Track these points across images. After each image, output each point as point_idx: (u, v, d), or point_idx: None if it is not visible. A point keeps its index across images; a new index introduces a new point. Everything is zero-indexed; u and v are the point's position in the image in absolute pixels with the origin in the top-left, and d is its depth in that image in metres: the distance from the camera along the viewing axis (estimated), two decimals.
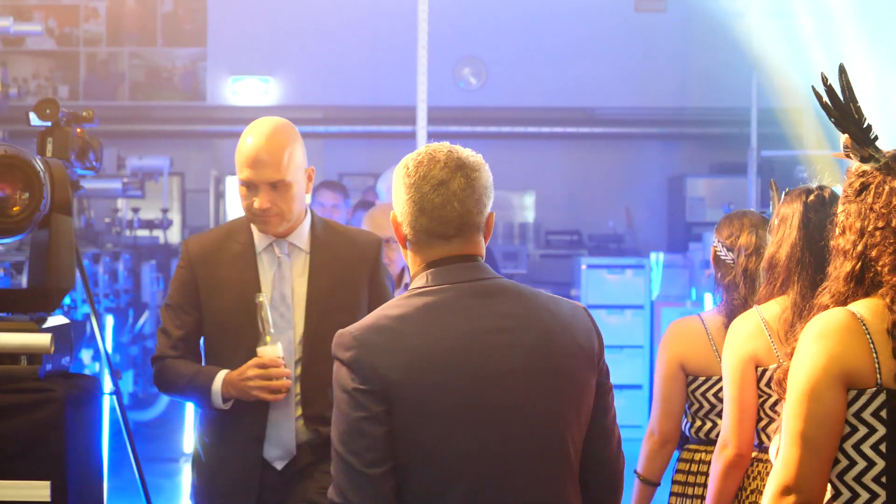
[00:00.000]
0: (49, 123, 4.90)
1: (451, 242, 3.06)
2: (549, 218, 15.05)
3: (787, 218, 3.97)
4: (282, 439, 4.22)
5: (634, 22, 14.70)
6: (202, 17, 14.98)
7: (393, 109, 14.05)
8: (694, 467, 4.41)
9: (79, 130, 5.05)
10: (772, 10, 12.50)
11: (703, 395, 4.41)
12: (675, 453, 4.54)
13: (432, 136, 14.84)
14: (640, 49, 14.66)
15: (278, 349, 4.14)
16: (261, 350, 4.13)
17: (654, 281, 11.78)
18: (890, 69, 10.88)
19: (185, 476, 10.12)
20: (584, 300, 11.73)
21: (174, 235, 14.30)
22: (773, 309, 3.94)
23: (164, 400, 11.09)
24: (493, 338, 3.00)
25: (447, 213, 3.04)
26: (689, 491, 4.43)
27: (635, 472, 4.52)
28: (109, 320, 9.98)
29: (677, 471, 4.50)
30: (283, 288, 4.24)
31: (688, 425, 4.46)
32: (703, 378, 4.40)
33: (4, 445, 3.88)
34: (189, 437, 10.55)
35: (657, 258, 11.98)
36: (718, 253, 4.45)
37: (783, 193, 4.11)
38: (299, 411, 4.23)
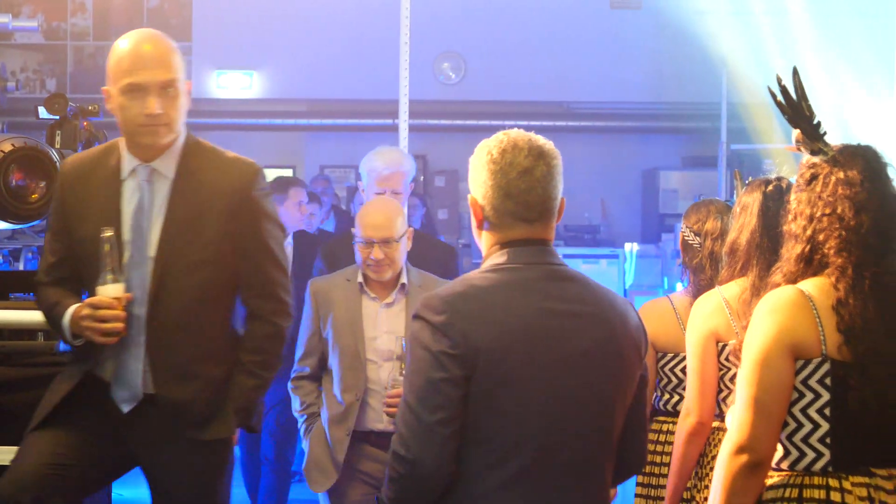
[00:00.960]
0: (57, 117, 5.20)
1: (532, 225, 3.22)
2: None
3: (747, 206, 4.25)
4: (127, 381, 3.97)
5: (610, 19, 14.94)
6: (187, 12, 15.14)
7: (374, 103, 14.18)
8: (663, 437, 4.69)
9: (86, 123, 5.36)
10: (735, 8, 12.81)
11: (671, 370, 4.70)
12: None
13: (413, 130, 15.15)
14: (615, 45, 14.89)
15: (116, 289, 3.87)
16: (99, 289, 3.87)
17: (629, 270, 12.08)
18: (842, 64, 11.24)
19: None
20: None
21: None
22: (733, 289, 4.23)
23: None
24: (568, 320, 3.18)
25: (532, 199, 3.21)
26: (658, 459, 4.70)
27: None
28: None
29: (648, 441, 4.80)
30: (141, 220, 3.97)
31: (658, 399, 4.75)
32: (672, 354, 4.69)
33: (24, 413, 4.10)
34: None
35: (631, 248, 12.28)
36: (686, 238, 4.74)
37: (745, 183, 4.43)
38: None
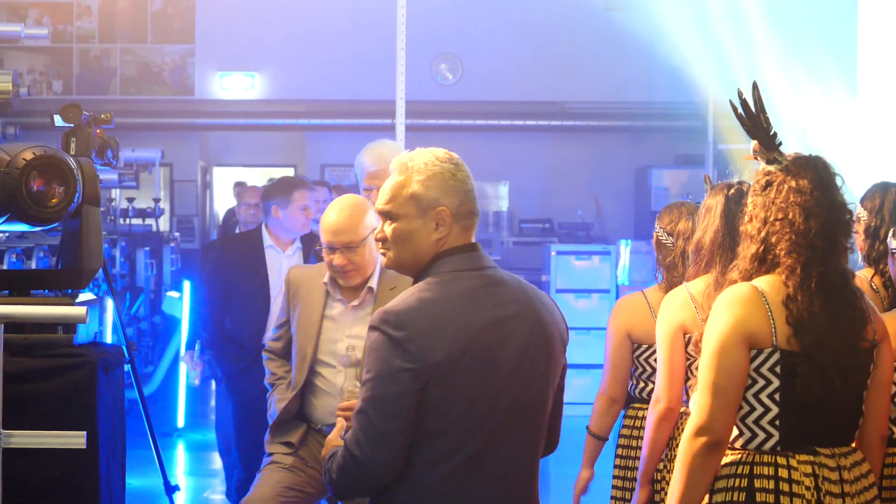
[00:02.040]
0: (72, 125, 5.50)
1: (468, 231, 3.51)
2: (522, 207, 15.45)
3: (711, 208, 4.54)
4: None
5: (603, 20, 15.17)
6: (191, 16, 15.28)
7: (373, 103, 14.30)
8: (638, 423, 4.95)
9: (98, 131, 5.66)
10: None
11: (646, 360, 4.97)
12: (623, 412, 5.10)
13: (410, 130, 15.46)
14: (608, 46, 15.11)
15: None
16: None
17: (622, 267, 12.32)
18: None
19: (179, 450, 10.66)
20: (553, 285, 12.27)
21: (164, 224, 14.59)
22: (698, 285, 4.53)
23: (159, 377, 11.49)
24: (507, 325, 3.43)
25: (472, 207, 3.51)
26: (633, 443, 4.97)
27: (587, 428, 5.11)
28: (109, 303, 10.44)
29: (623, 426, 5.05)
30: None
31: (633, 387, 5.03)
32: (647, 346, 4.94)
33: (47, 401, 4.40)
34: (182, 412, 11.08)
35: (624, 245, 12.54)
36: (660, 237, 5.01)
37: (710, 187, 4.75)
38: None
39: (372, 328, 3.34)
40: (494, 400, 3.39)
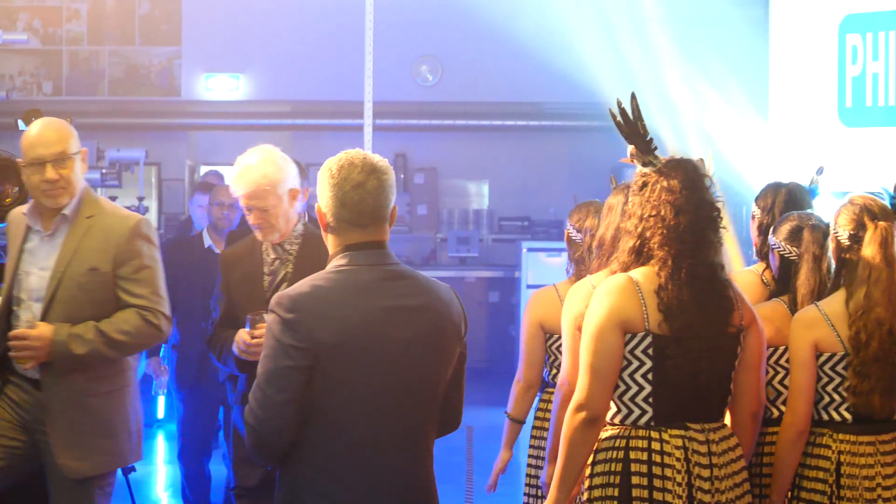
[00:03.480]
0: None
1: (366, 230, 3.70)
2: (501, 205, 15.59)
3: (612, 206, 4.83)
4: None
5: (579, 23, 15.37)
6: (177, 19, 15.43)
7: (354, 104, 14.39)
8: (551, 406, 5.15)
9: None
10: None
11: (557, 348, 5.24)
12: (539, 396, 5.39)
13: (392, 129, 15.74)
14: (584, 48, 15.32)
15: None
16: None
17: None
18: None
19: (160, 440, 11.00)
20: (524, 280, 12.61)
21: (150, 221, 14.82)
22: (600, 278, 4.82)
23: (140, 370, 11.76)
24: (400, 314, 3.67)
25: (364, 208, 3.68)
26: (546, 425, 5.25)
27: (506, 412, 5.43)
28: None
29: (538, 409, 5.35)
30: None
31: (547, 374, 5.32)
32: (558, 335, 5.19)
33: None
34: (162, 403, 11.41)
35: None
36: (570, 234, 5.31)
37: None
38: None
39: (269, 310, 3.65)
40: (382, 383, 3.64)
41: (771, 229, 4.94)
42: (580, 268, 5.23)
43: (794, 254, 4.77)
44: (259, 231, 5.14)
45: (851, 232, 4.48)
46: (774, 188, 5.26)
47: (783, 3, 7.47)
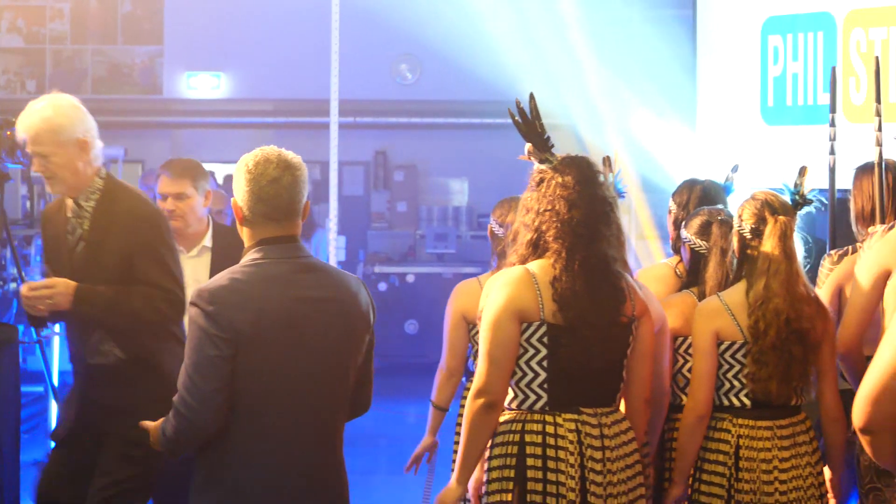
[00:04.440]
0: None
1: (280, 224, 3.85)
2: (481, 202, 15.58)
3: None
4: None
5: (555, 22, 15.51)
6: (159, 18, 15.58)
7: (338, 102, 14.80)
8: None
9: (8, 133, 6.28)
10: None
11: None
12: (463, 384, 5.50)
13: (372, 127, 15.85)
14: (560, 46, 15.47)
15: None
16: None
17: None
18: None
19: None
20: None
21: None
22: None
23: None
24: (313, 305, 3.85)
25: (279, 202, 3.83)
26: None
27: (430, 400, 5.60)
28: None
29: (462, 397, 5.41)
30: None
31: (471, 363, 5.45)
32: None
33: None
34: None
35: None
36: (493, 229, 5.46)
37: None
38: None
39: (191, 304, 3.80)
40: (296, 370, 3.84)
41: (683, 223, 5.13)
42: (502, 261, 5.37)
43: (704, 247, 4.97)
44: (47, 183, 5.07)
45: (753, 226, 4.66)
46: (690, 185, 5.46)
47: (710, 4, 7.68)
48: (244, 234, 3.92)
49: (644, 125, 11.71)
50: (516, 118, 4.39)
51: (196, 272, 5.73)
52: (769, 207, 4.65)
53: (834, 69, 5.51)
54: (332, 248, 10.22)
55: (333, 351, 3.92)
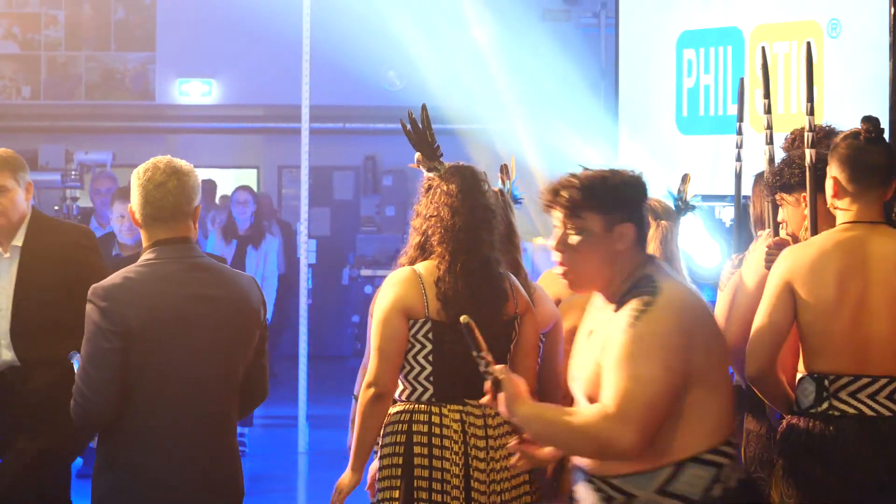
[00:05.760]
0: None
1: (168, 225, 4.07)
2: None
3: None
4: None
5: (540, 30, 15.79)
6: (151, 25, 15.78)
7: (323, 108, 14.82)
8: None
9: None
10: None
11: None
12: None
13: (364, 133, 16.00)
14: (546, 55, 15.66)
15: None
16: None
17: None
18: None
19: None
20: None
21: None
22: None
23: None
24: (204, 303, 4.07)
25: (164, 204, 4.06)
26: None
27: (353, 394, 5.88)
28: None
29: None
30: None
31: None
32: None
33: None
34: None
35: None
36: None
37: None
38: None
39: (87, 301, 4.04)
40: (187, 363, 4.06)
41: None
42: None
43: None
44: None
45: None
46: None
47: (630, 19, 7.97)
48: (143, 236, 4.16)
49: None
50: (407, 128, 4.66)
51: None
52: (653, 212, 4.89)
53: (742, 81, 5.76)
54: (303, 252, 10.51)
55: (223, 346, 4.14)
